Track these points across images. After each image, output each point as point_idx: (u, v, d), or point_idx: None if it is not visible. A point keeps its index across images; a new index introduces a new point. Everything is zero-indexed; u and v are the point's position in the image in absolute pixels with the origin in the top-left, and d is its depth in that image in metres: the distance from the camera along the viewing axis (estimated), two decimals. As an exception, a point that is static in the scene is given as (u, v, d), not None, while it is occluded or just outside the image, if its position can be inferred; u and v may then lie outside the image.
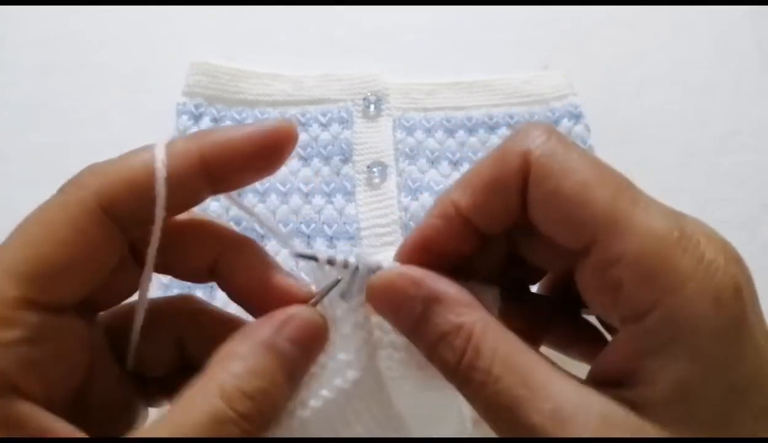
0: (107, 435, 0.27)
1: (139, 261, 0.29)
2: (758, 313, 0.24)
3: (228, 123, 0.66)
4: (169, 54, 0.71)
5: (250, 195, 0.62)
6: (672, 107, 0.71)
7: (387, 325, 0.29)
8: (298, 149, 0.65)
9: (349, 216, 0.61)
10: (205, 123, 0.65)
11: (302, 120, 0.67)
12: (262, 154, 0.28)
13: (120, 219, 0.26)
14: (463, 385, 0.26)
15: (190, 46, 0.71)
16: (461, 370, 0.26)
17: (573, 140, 0.64)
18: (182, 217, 0.30)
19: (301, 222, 0.61)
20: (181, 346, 0.31)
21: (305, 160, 0.65)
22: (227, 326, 0.31)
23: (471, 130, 0.67)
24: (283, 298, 0.29)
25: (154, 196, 0.26)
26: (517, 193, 0.27)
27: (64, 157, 0.64)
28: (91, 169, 0.27)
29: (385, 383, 0.30)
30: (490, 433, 0.26)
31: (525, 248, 0.30)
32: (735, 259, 0.25)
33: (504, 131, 0.67)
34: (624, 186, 0.26)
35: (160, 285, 0.53)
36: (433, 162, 0.65)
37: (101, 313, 0.30)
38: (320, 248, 0.60)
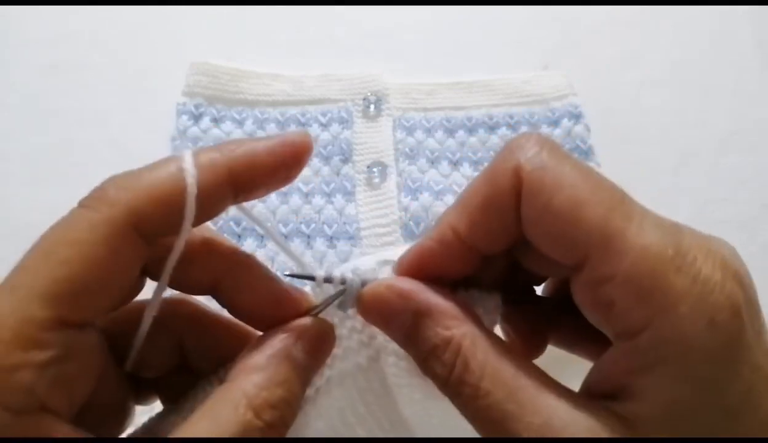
0: (99, 432, 0.27)
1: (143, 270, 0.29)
2: (759, 330, 0.24)
3: (228, 123, 0.66)
4: (169, 54, 0.71)
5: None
6: (672, 107, 0.71)
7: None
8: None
9: (349, 216, 0.61)
10: (205, 123, 0.65)
11: (302, 120, 0.67)
12: (282, 166, 0.28)
13: (147, 232, 0.26)
14: (454, 398, 0.26)
15: (190, 46, 0.71)
16: (451, 384, 0.26)
17: (567, 149, 0.64)
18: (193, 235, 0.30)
19: (301, 222, 0.61)
20: (180, 348, 0.31)
21: (305, 160, 0.65)
22: (226, 329, 0.31)
23: (471, 130, 0.67)
24: (288, 311, 0.29)
25: (182, 210, 0.26)
26: (513, 211, 0.26)
27: (64, 157, 0.64)
28: (117, 184, 0.27)
29: (391, 389, 0.30)
30: None
31: (524, 258, 0.30)
32: (734, 275, 0.24)
33: (504, 131, 0.67)
34: (617, 200, 0.25)
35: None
36: (433, 162, 0.65)
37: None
38: (320, 248, 0.60)
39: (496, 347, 0.26)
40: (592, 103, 0.68)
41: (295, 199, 0.62)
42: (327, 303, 0.29)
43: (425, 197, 0.62)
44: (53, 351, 0.24)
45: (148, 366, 0.31)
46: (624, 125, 0.69)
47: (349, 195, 0.62)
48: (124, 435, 0.30)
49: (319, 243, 0.60)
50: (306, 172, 0.64)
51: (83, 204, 0.26)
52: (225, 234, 0.59)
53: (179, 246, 0.27)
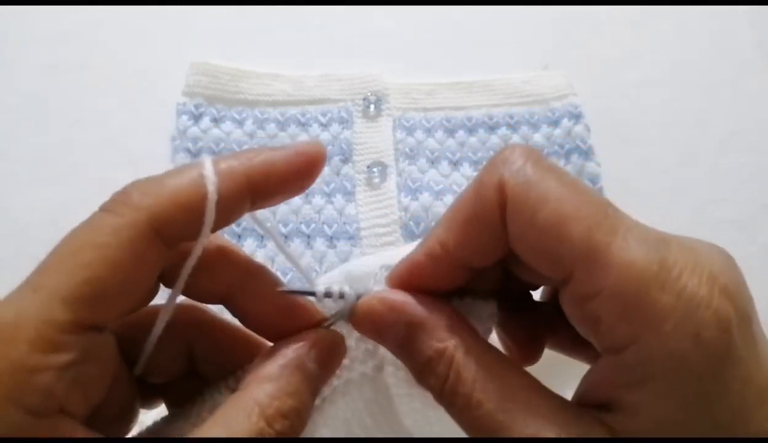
0: (107, 433, 0.27)
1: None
2: (751, 342, 0.24)
3: (228, 123, 0.66)
4: (169, 54, 0.71)
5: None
6: (672, 107, 0.71)
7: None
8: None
9: (349, 216, 0.61)
10: (205, 123, 0.65)
11: (302, 120, 0.67)
12: (297, 175, 0.29)
13: (168, 237, 0.26)
14: (449, 408, 0.27)
15: (190, 46, 0.71)
16: (445, 395, 0.26)
17: (568, 148, 0.64)
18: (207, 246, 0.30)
19: (301, 222, 0.61)
20: (189, 354, 0.32)
21: (305, 160, 0.65)
22: (236, 338, 0.31)
23: (471, 130, 0.67)
24: (299, 323, 0.30)
25: (202, 216, 0.26)
26: (500, 226, 0.26)
27: (64, 157, 0.64)
28: (140, 189, 0.26)
29: (392, 399, 0.30)
30: None
31: (515, 268, 0.30)
32: (722, 289, 0.24)
33: (504, 131, 0.67)
34: (602, 214, 0.25)
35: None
36: (433, 162, 0.65)
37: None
38: (320, 248, 0.60)
39: (490, 357, 0.27)
40: (592, 103, 0.68)
41: (295, 199, 0.62)
42: (338, 316, 0.30)
43: (425, 197, 0.62)
44: (73, 354, 0.24)
45: (158, 371, 0.31)
46: (624, 125, 0.69)
47: (349, 195, 0.62)
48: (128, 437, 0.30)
49: (319, 243, 0.60)
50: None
51: (106, 208, 0.26)
52: (225, 235, 0.59)
53: (197, 251, 0.27)
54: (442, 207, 0.61)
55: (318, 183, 0.63)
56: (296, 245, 0.60)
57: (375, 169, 0.63)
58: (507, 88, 0.70)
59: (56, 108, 0.68)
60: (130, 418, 0.31)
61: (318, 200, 0.62)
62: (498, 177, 0.26)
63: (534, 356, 0.32)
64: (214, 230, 0.28)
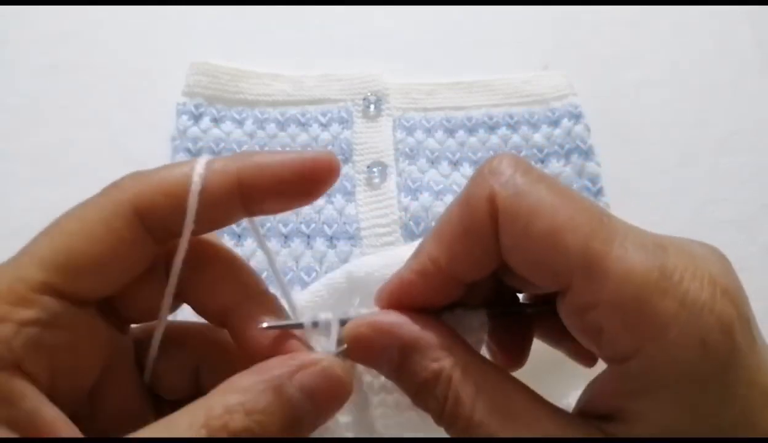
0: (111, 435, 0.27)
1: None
2: (753, 344, 0.24)
3: (228, 123, 0.66)
4: (169, 54, 0.71)
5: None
6: (672, 107, 0.71)
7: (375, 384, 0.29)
8: (297, 149, 0.65)
9: (349, 216, 0.61)
10: (205, 123, 0.65)
11: (302, 120, 0.67)
12: (298, 183, 0.28)
13: (152, 226, 0.27)
14: (450, 429, 0.26)
15: (190, 46, 0.71)
16: (445, 417, 0.26)
17: (566, 149, 0.64)
18: (213, 251, 0.30)
19: (301, 222, 0.61)
20: (197, 374, 0.31)
21: (305, 160, 0.65)
22: (245, 363, 0.30)
23: (471, 130, 0.67)
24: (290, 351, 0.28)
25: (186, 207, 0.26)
26: (492, 239, 0.26)
27: (64, 157, 0.64)
28: (132, 175, 0.28)
29: (381, 433, 0.29)
30: None
31: (507, 278, 0.29)
32: (724, 291, 0.23)
33: (504, 131, 0.67)
34: (597, 222, 0.25)
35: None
36: (433, 162, 0.65)
37: (134, 326, 0.30)
38: (320, 248, 0.59)
39: (487, 373, 0.26)
40: (592, 103, 0.68)
41: (295, 199, 0.62)
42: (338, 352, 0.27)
43: (425, 197, 0.62)
44: (37, 312, 0.24)
45: (166, 385, 0.31)
46: (624, 125, 0.69)
47: (349, 195, 0.62)
48: None
49: (319, 243, 0.60)
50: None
51: (100, 191, 0.27)
52: (225, 235, 0.59)
53: (185, 239, 0.27)
54: (442, 207, 0.61)
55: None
56: (296, 245, 0.59)
57: (375, 169, 0.63)
58: (507, 88, 0.70)
59: (56, 108, 0.67)
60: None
61: (318, 200, 0.62)
62: (488, 189, 0.26)
63: (521, 359, 0.32)
64: (204, 229, 0.28)
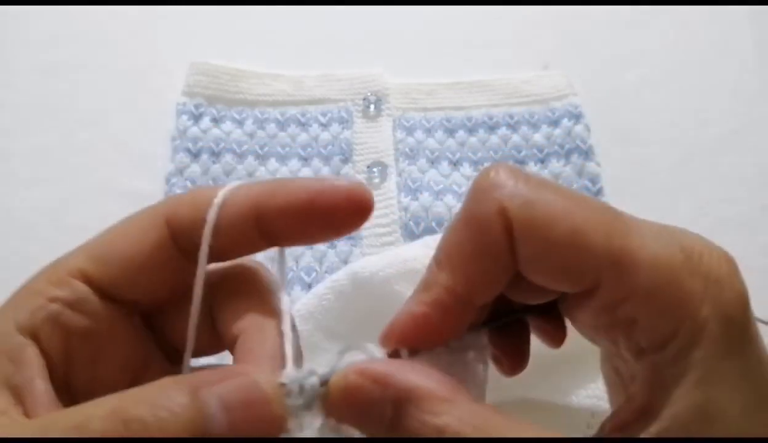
0: None
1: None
2: (755, 323, 0.25)
3: (228, 123, 0.66)
4: (169, 54, 0.71)
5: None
6: (672, 107, 0.71)
7: None
8: (298, 149, 0.65)
9: (349, 216, 0.61)
10: (205, 123, 0.65)
11: (302, 120, 0.67)
12: (315, 210, 0.26)
13: (179, 235, 0.27)
14: None
15: (190, 46, 0.71)
16: None
17: (568, 149, 0.64)
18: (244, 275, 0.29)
19: (301, 222, 0.61)
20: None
21: (305, 160, 0.65)
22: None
23: (471, 130, 0.67)
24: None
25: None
26: (508, 253, 0.25)
27: (64, 157, 0.64)
28: (171, 195, 0.29)
29: None
30: None
31: (513, 293, 0.28)
32: (733, 266, 0.24)
33: (504, 131, 0.67)
34: (611, 218, 0.25)
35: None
36: (433, 162, 0.65)
37: None
38: (320, 247, 0.59)
39: (497, 422, 0.22)
40: (592, 103, 0.68)
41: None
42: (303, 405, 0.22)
43: (425, 197, 0.62)
44: (65, 292, 0.26)
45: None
46: (624, 125, 0.69)
47: (349, 195, 0.62)
48: None
49: (319, 244, 0.60)
50: (306, 172, 0.64)
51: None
52: None
53: (204, 249, 0.27)
54: (442, 207, 0.61)
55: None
56: (296, 246, 0.59)
57: (375, 169, 0.63)
58: (507, 88, 0.70)
59: (56, 108, 0.67)
60: None
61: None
62: (496, 203, 0.25)
63: (523, 363, 0.31)
64: (226, 253, 0.28)
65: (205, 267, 0.27)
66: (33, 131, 0.66)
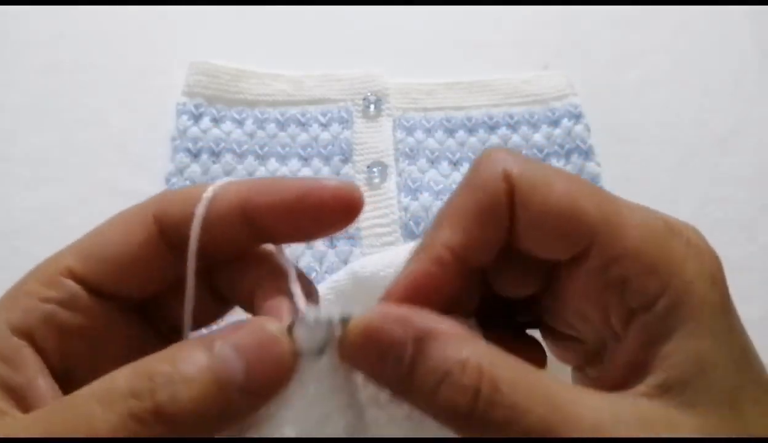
0: None
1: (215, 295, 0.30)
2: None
3: (228, 123, 0.66)
4: (169, 54, 0.71)
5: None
6: (672, 107, 0.71)
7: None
8: (298, 149, 0.65)
9: (349, 216, 0.61)
10: (205, 123, 0.65)
11: (302, 120, 0.67)
12: (304, 209, 0.27)
13: (168, 233, 0.28)
14: (484, 429, 0.22)
15: (190, 46, 0.71)
16: (478, 413, 0.22)
17: (567, 149, 0.64)
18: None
19: (301, 222, 0.61)
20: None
21: (305, 160, 0.65)
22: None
23: (471, 130, 0.67)
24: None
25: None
26: (507, 215, 0.27)
27: (64, 157, 0.64)
28: (161, 192, 0.30)
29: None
30: None
31: (497, 278, 0.29)
32: (708, 243, 0.26)
33: (504, 131, 0.67)
34: (600, 191, 0.27)
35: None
36: (433, 162, 0.65)
37: None
38: (320, 247, 0.59)
39: (518, 362, 0.23)
40: (592, 103, 0.68)
41: (295, 199, 0.62)
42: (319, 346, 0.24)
43: (425, 197, 0.62)
44: (58, 292, 0.27)
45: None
46: (624, 125, 0.69)
47: (349, 195, 0.62)
48: None
49: (319, 243, 0.60)
50: (306, 172, 0.64)
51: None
52: None
53: (192, 245, 0.27)
54: (442, 207, 0.61)
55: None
56: (296, 245, 0.59)
57: (375, 169, 0.63)
58: (507, 88, 0.70)
59: (56, 108, 0.67)
60: None
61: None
62: (500, 167, 0.27)
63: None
64: (218, 248, 0.28)
65: (195, 258, 0.28)
66: (33, 131, 0.66)
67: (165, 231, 0.28)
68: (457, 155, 0.66)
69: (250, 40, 0.74)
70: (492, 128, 0.68)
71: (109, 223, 0.29)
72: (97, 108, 0.68)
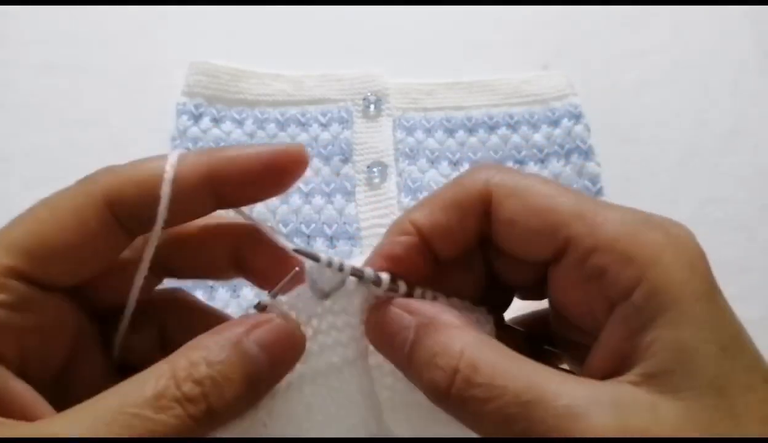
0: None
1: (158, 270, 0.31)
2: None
3: (228, 123, 0.66)
4: (169, 54, 0.71)
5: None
6: (672, 107, 0.71)
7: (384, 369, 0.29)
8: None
9: (349, 216, 0.61)
10: (205, 123, 0.65)
11: (302, 120, 0.67)
12: (268, 174, 0.29)
13: (123, 216, 0.28)
14: (462, 406, 0.25)
15: (190, 46, 0.71)
16: (455, 392, 0.25)
17: (567, 149, 0.64)
18: (198, 222, 0.31)
19: (301, 223, 0.61)
20: (164, 337, 0.33)
21: (305, 160, 0.65)
22: (211, 320, 0.31)
23: (471, 130, 0.67)
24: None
25: (157, 199, 0.28)
26: (475, 216, 0.28)
27: (64, 157, 0.64)
28: (105, 168, 0.29)
29: (374, 393, 0.30)
30: None
31: (498, 262, 0.31)
32: (691, 233, 0.26)
33: (504, 131, 0.67)
34: (579, 193, 0.28)
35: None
36: (433, 162, 0.65)
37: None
38: (320, 247, 0.60)
39: (503, 347, 0.26)
40: (592, 103, 0.68)
41: (295, 199, 0.62)
42: (283, 287, 0.29)
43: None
44: (6, 296, 0.26)
45: (134, 354, 0.32)
46: (624, 125, 0.69)
47: (349, 195, 0.62)
48: None
49: (319, 243, 0.60)
50: (306, 172, 0.64)
51: (75, 182, 0.29)
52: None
53: (158, 226, 0.28)
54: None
55: (318, 183, 0.63)
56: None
57: (375, 169, 0.63)
58: (507, 88, 0.70)
59: (56, 108, 0.68)
60: None
61: (318, 200, 0.62)
62: (483, 175, 0.29)
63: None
64: (176, 220, 0.29)
65: (154, 250, 0.29)
66: (33, 131, 0.66)
67: (120, 216, 0.28)
68: (457, 155, 0.66)
69: (250, 40, 0.74)
70: (492, 128, 0.68)
71: (50, 211, 0.28)
72: (97, 108, 0.68)
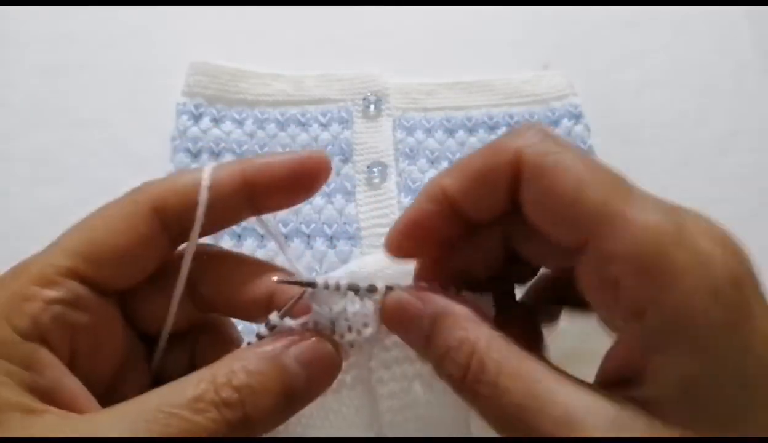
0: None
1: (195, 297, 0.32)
2: (762, 303, 0.24)
3: (228, 123, 0.66)
4: (169, 54, 0.71)
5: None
6: (672, 107, 0.71)
7: (385, 377, 0.31)
8: (298, 149, 0.65)
9: (349, 216, 0.61)
10: (205, 123, 0.65)
11: (302, 120, 0.67)
12: (296, 180, 0.31)
13: (168, 223, 0.30)
14: (473, 400, 0.26)
15: (190, 46, 0.71)
16: (467, 385, 0.26)
17: (570, 140, 0.64)
18: (219, 252, 0.33)
19: (301, 223, 0.61)
20: (194, 363, 0.34)
21: (305, 160, 0.65)
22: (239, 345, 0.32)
23: (471, 130, 0.67)
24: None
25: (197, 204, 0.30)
26: (505, 185, 0.28)
27: (65, 157, 0.64)
28: (150, 181, 0.31)
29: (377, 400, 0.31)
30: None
31: (520, 244, 0.30)
32: (734, 252, 0.25)
33: (504, 131, 0.67)
34: (618, 183, 0.26)
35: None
36: (433, 162, 0.65)
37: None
38: (320, 247, 0.59)
39: (512, 346, 0.26)
40: (592, 103, 0.68)
41: (295, 199, 0.62)
42: (295, 301, 0.30)
43: (425, 197, 0.62)
44: (63, 293, 0.27)
45: (169, 376, 0.32)
46: (624, 125, 0.69)
47: (349, 195, 0.62)
48: None
49: (319, 243, 0.60)
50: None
51: (123, 194, 0.31)
52: (226, 236, 0.59)
53: (195, 230, 0.30)
54: (442, 207, 0.61)
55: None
56: (296, 245, 0.60)
57: (375, 169, 0.63)
58: (507, 88, 0.70)
59: (56, 108, 0.67)
60: None
61: (318, 200, 0.62)
62: (515, 144, 0.27)
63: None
64: (214, 228, 0.31)
65: (194, 248, 0.30)
66: (33, 131, 0.66)
67: (167, 224, 0.30)
68: (457, 155, 0.66)
69: (250, 40, 0.74)
70: (492, 128, 0.68)
71: (102, 219, 0.30)
72: (97, 108, 0.68)
